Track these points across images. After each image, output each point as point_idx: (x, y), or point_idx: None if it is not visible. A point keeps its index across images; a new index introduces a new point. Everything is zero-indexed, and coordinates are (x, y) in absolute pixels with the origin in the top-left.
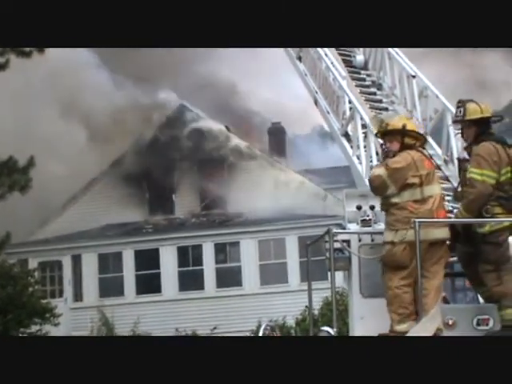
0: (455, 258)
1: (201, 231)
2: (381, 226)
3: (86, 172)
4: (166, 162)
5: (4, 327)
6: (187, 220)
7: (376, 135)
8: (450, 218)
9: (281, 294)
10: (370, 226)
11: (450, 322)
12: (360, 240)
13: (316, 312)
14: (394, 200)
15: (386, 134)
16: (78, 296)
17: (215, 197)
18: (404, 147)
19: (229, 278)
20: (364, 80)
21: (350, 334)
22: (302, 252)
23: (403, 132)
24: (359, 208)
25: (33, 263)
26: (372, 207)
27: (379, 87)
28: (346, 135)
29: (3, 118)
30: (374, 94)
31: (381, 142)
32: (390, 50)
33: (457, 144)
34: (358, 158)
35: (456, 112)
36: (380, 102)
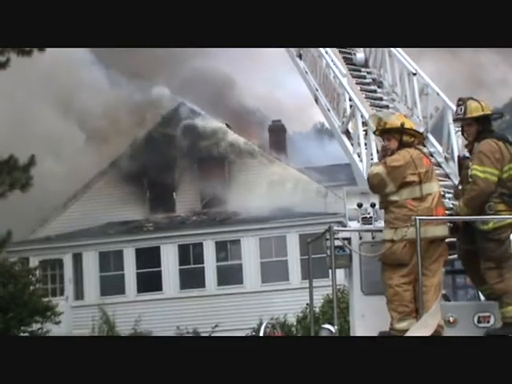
0: (455, 256)
1: (201, 229)
2: (381, 224)
3: (84, 171)
4: (166, 160)
5: (5, 326)
6: (188, 218)
7: (374, 133)
8: (448, 215)
9: (282, 291)
10: (371, 224)
11: (451, 320)
12: (361, 238)
13: (317, 310)
14: (393, 198)
15: (384, 132)
16: (79, 294)
17: (216, 195)
18: (402, 145)
19: (230, 275)
20: (364, 78)
21: (351, 332)
22: (303, 250)
23: (401, 130)
24: (360, 206)
25: (34, 261)
26: (373, 205)
27: (380, 85)
28: (347, 133)
29: None
30: (375, 91)
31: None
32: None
33: (457, 142)
34: (359, 155)
35: (457, 110)
36: (380, 99)
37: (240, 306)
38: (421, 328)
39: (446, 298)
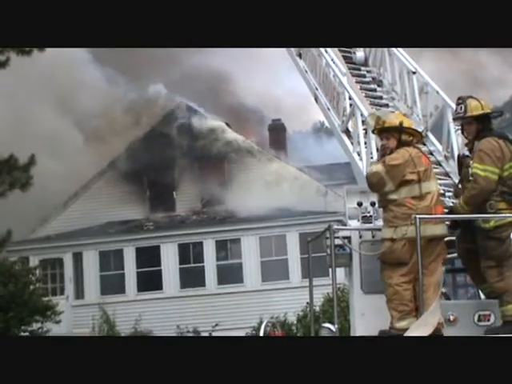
0: (456, 255)
1: (202, 228)
2: (381, 223)
3: (85, 170)
4: (166, 159)
5: (5, 325)
6: (188, 217)
7: (373, 132)
8: (447, 213)
9: (282, 290)
10: (371, 223)
11: (451, 318)
12: (361, 236)
13: (317, 308)
14: (392, 197)
15: (382, 131)
16: (79, 294)
17: (216, 194)
18: (401, 144)
19: (230, 274)
20: (364, 76)
21: (351, 331)
22: (303, 248)
23: (400, 129)
24: (360, 204)
25: (34, 261)
26: (373, 204)
27: (379, 83)
28: (347, 132)
29: None
30: (375, 90)
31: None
32: None
33: (457, 140)
34: (359, 154)
35: (456, 109)
36: (380, 98)
37: (240, 305)
38: (421, 326)
39: (446, 296)
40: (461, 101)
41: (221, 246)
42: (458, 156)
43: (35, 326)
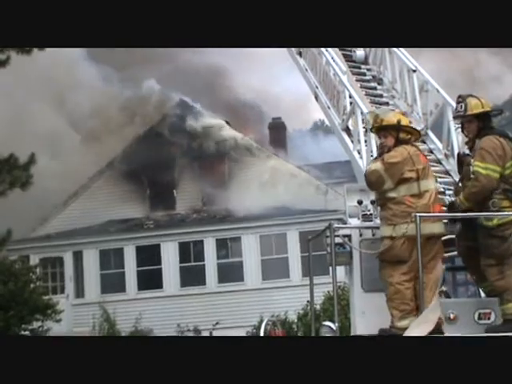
0: (455, 253)
1: (202, 227)
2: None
3: (84, 169)
4: (165, 157)
5: (6, 324)
6: (188, 216)
7: (371, 130)
8: (447, 209)
9: (282, 288)
10: (371, 221)
11: (452, 316)
12: (361, 235)
13: (318, 307)
14: (391, 195)
15: (380, 129)
16: (79, 292)
17: (216, 192)
18: (399, 142)
19: (230, 273)
20: (364, 75)
21: (352, 329)
22: (304, 247)
23: (398, 127)
24: (360, 203)
25: (34, 260)
26: (373, 202)
27: (379, 82)
28: (347, 130)
29: None
30: (375, 88)
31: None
32: None
33: (457, 138)
34: (359, 152)
35: (457, 107)
36: (380, 96)
37: (241, 304)
38: (421, 324)
39: (446, 294)
40: (461, 99)
41: (221, 244)
42: (458, 154)
43: (35, 324)
